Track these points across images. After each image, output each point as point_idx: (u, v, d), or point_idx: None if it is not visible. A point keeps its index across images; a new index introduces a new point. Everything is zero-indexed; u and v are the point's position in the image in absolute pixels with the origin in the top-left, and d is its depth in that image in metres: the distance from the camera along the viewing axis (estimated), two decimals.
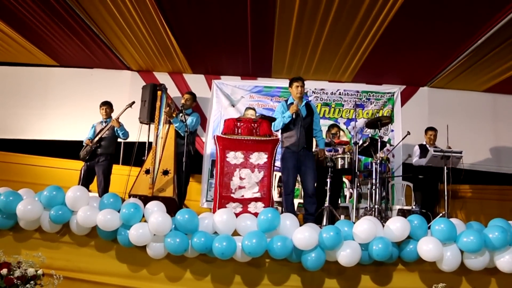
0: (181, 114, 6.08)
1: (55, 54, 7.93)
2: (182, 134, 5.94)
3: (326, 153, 6.09)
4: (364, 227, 4.44)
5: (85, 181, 6.35)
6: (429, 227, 4.61)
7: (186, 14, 6.20)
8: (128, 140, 6.88)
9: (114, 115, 6.67)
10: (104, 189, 6.31)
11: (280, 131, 5.66)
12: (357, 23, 6.10)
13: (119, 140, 6.72)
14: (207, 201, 7.77)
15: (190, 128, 5.96)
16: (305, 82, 5.72)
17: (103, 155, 6.45)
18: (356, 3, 5.64)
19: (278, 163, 6.20)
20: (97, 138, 6.43)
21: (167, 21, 6.37)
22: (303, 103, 5.64)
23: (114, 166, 6.81)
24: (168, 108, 5.93)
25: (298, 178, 5.93)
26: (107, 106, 6.69)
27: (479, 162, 7.94)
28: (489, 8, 5.58)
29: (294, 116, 5.46)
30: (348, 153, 6.30)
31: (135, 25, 6.58)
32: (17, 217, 4.75)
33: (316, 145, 5.97)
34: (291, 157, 5.49)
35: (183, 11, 6.12)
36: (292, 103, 5.55)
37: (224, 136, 5.35)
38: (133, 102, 6.76)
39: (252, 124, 5.43)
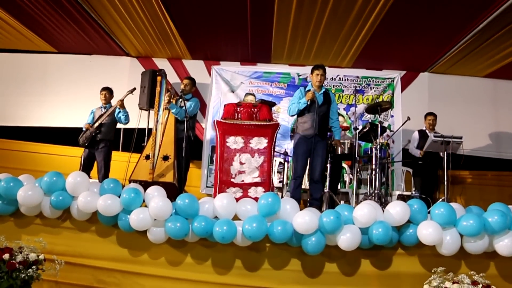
0: (180, 100, 6.06)
1: (53, 40, 7.88)
2: (180, 119, 5.93)
3: None
4: (364, 211, 4.45)
5: (86, 168, 6.34)
6: (428, 212, 4.63)
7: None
8: (128, 126, 6.86)
9: (113, 101, 6.64)
10: (104, 175, 6.30)
11: (295, 116, 5.71)
12: (357, 7, 6.05)
13: (118, 126, 6.69)
14: (207, 187, 7.76)
15: (189, 113, 5.93)
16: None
17: (103, 141, 6.43)
18: None
19: (278, 149, 6.21)
20: (97, 124, 6.40)
21: (166, 6, 6.32)
22: (321, 91, 5.67)
23: (114, 153, 6.80)
24: (168, 93, 5.91)
25: None
26: (107, 91, 6.65)
27: (479, 148, 7.93)
28: None
29: (309, 103, 5.50)
30: (348, 138, 6.30)
31: (133, 10, 6.53)
32: (17, 203, 4.77)
33: (332, 136, 5.99)
34: (303, 143, 5.54)
35: None
36: (309, 90, 5.59)
37: (224, 121, 5.35)
38: (134, 89, 6.72)
39: (252, 109, 5.42)
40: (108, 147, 6.48)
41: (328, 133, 6.03)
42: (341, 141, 6.24)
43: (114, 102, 6.63)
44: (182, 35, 7.30)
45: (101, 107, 6.65)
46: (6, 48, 8.29)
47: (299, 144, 5.59)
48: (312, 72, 5.71)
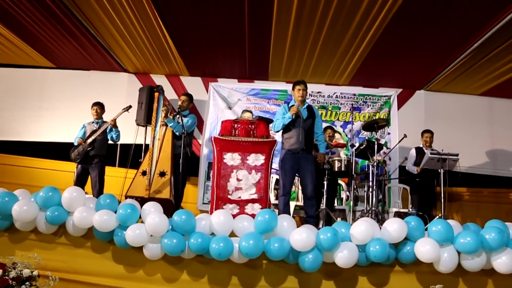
0: (178, 116, 6.08)
1: (52, 56, 7.91)
2: (178, 134, 5.94)
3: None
4: (362, 228, 4.44)
5: (80, 183, 6.28)
6: (426, 229, 4.62)
7: (183, 17, 6.20)
8: (125, 142, 6.87)
9: (105, 116, 6.62)
10: (99, 190, 6.28)
11: (281, 133, 5.70)
12: (354, 26, 6.12)
13: (112, 142, 6.68)
14: (203, 203, 7.74)
15: (186, 129, 5.93)
16: None
17: (97, 156, 6.39)
18: (353, 7, 5.66)
19: (275, 165, 6.21)
20: (90, 139, 6.36)
21: (164, 23, 6.37)
22: (305, 106, 5.70)
23: (111, 168, 6.80)
24: (165, 107, 5.93)
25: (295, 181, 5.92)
26: (98, 106, 6.61)
27: (475, 165, 7.95)
28: (485, 12, 5.61)
29: (294, 117, 5.51)
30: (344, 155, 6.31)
31: (132, 27, 6.58)
32: (12, 218, 4.72)
33: (317, 149, 5.97)
34: (289, 159, 5.52)
35: (181, 14, 6.13)
36: (293, 105, 5.61)
37: (221, 137, 5.35)
38: (130, 106, 6.69)
39: (250, 126, 5.43)
40: (102, 162, 6.45)
41: (326, 151, 6.05)
42: (336, 158, 6.25)
43: (105, 116, 6.63)
44: (181, 52, 7.35)
45: (93, 122, 6.61)
46: (4, 63, 8.31)
47: (286, 159, 5.56)
48: (293, 88, 5.74)
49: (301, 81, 5.74)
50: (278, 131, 5.70)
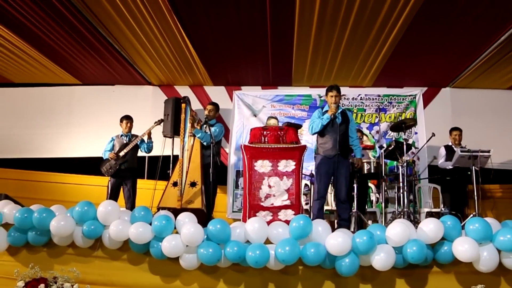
0: (205, 126, 6.12)
1: (77, 72, 8.07)
2: (205, 144, 5.99)
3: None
4: (397, 230, 4.39)
5: (113, 197, 6.40)
6: (462, 228, 4.54)
7: (205, 26, 6.25)
8: (152, 154, 6.94)
9: (133, 129, 6.78)
10: (132, 203, 6.37)
11: (315, 138, 5.70)
12: (377, 27, 6.08)
13: (141, 154, 6.79)
14: (233, 211, 7.77)
15: (214, 138, 5.97)
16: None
17: (129, 170, 6.52)
18: (375, 8, 5.63)
19: (304, 171, 6.20)
20: (123, 153, 6.47)
21: (187, 34, 6.43)
22: (339, 111, 5.68)
23: (140, 181, 6.88)
24: (192, 118, 6.00)
25: None
26: (130, 120, 6.76)
27: (507, 161, 7.80)
28: (510, 4, 5.52)
29: (332, 117, 5.52)
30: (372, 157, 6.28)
31: (155, 39, 6.66)
32: (50, 233, 4.80)
33: (353, 154, 5.95)
34: (324, 164, 5.54)
35: (203, 23, 6.18)
36: (327, 111, 5.63)
37: (251, 145, 5.36)
38: (162, 120, 6.89)
39: (279, 132, 5.43)
40: (134, 175, 6.59)
41: (352, 154, 6.02)
42: (365, 160, 6.21)
43: (133, 129, 6.77)
44: (204, 62, 7.41)
45: (122, 135, 6.72)
46: (33, 83, 8.53)
47: (321, 164, 5.58)
48: (326, 94, 5.73)
49: (334, 86, 5.68)
50: (315, 133, 5.69)
